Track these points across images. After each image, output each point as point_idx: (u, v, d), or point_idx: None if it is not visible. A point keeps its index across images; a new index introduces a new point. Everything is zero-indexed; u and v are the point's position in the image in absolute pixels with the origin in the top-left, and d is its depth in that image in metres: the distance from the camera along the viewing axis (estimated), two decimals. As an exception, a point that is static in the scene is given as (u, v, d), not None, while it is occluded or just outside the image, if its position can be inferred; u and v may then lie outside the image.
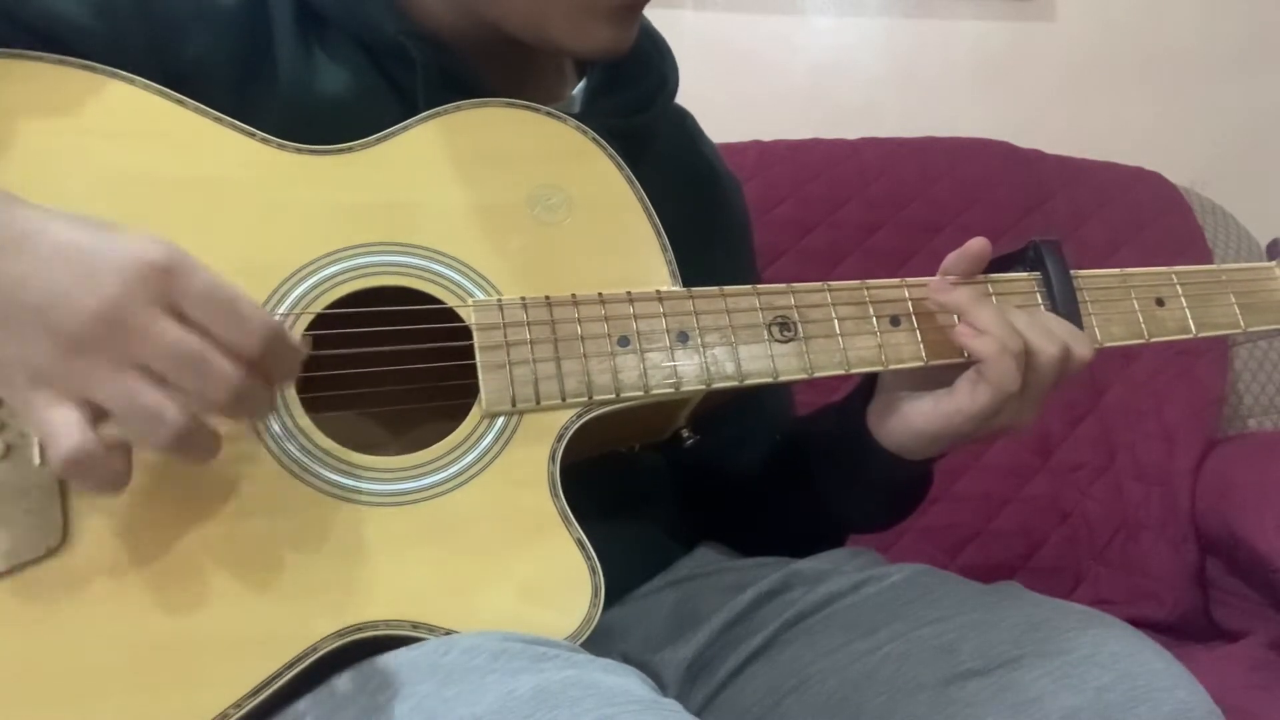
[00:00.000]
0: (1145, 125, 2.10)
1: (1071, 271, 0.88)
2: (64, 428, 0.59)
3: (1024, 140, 1.79)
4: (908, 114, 1.99)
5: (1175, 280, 0.91)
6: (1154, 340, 0.89)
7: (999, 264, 0.88)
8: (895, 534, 1.44)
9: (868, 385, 0.91)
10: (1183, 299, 0.90)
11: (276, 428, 0.72)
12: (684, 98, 1.05)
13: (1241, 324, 0.92)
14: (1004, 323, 0.80)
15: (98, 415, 0.61)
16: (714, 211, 1.07)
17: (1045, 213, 1.70)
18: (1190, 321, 0.90)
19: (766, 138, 1.71)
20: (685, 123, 1.09)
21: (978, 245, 0.85)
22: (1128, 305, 0.89)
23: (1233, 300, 0.92)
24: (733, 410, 0.91)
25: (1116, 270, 0.90)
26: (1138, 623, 0.78)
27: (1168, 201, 1.75)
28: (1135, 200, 1.74)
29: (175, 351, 0.59)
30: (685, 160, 1.06)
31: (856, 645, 0.77)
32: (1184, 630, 1.48)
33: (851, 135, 1.74)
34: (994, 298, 0.85)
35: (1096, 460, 1.60)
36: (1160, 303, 0.90)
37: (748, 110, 1.82)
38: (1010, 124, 1.83)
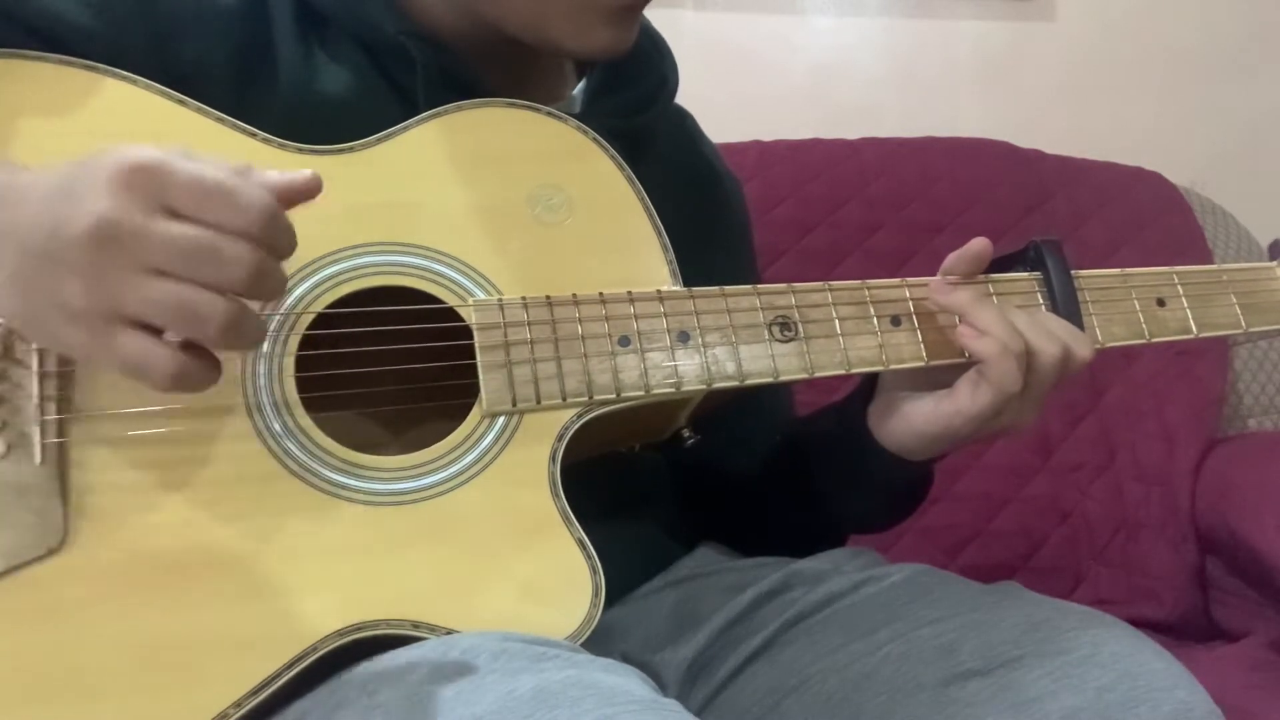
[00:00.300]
0: (1145, 125, 2.10)
1: (1072, 271, 0.87)
2: (150, 355, 0.59)
3: (1024, 140, 1.79)
4: (908, 114, 2.00)
5: (1176, 280, 0.91)
6: (1155, 340, 0.89)
7: (1000, 264, 0.88)
8: (895, 534, 1.44)
9: (868, 386, 0.91)
10: (1184, 299, 0.90)
11: (277, 427, 0.72)
12: (684, 98, 1.05)
13: (1243, 324, 0.91)
14: (1005, 323, 0.80)
15: (149, 330, 0.60)
16: (714, 211, 1.07)
17: (1045, 213, 1.70)
18: (1191, 321, 0.90)
19: (766, 138, 1.70)
20: (685, 123, 1.09)
21: (978, 245, 0.85)
22: (1129, 305, 0.89)
23: (1234, 300, 0.92)
24: (733, 410, 0.91)
25: (1117, 270, 0.90)
26: (1138, 623, 0.78)
27: (1168, 201, 1.75)
28: (1135, 200, 1.74)
29: (182, 248, 0.58)
30: (685, 160, 1.06)
31: (856, 645, 0.77)
32: (1184, 630, 1.48)
33: (851, 135, 1.74)
34: (994, 298, 0.85)
35: (1096, 460, 1.60)
36: (1161, 303, 0.90)
37: (748, 110, 1.82)
38: (1010, 124, 1.83)
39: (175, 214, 0.59)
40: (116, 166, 0.58)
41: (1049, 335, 0.81)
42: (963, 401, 0.81)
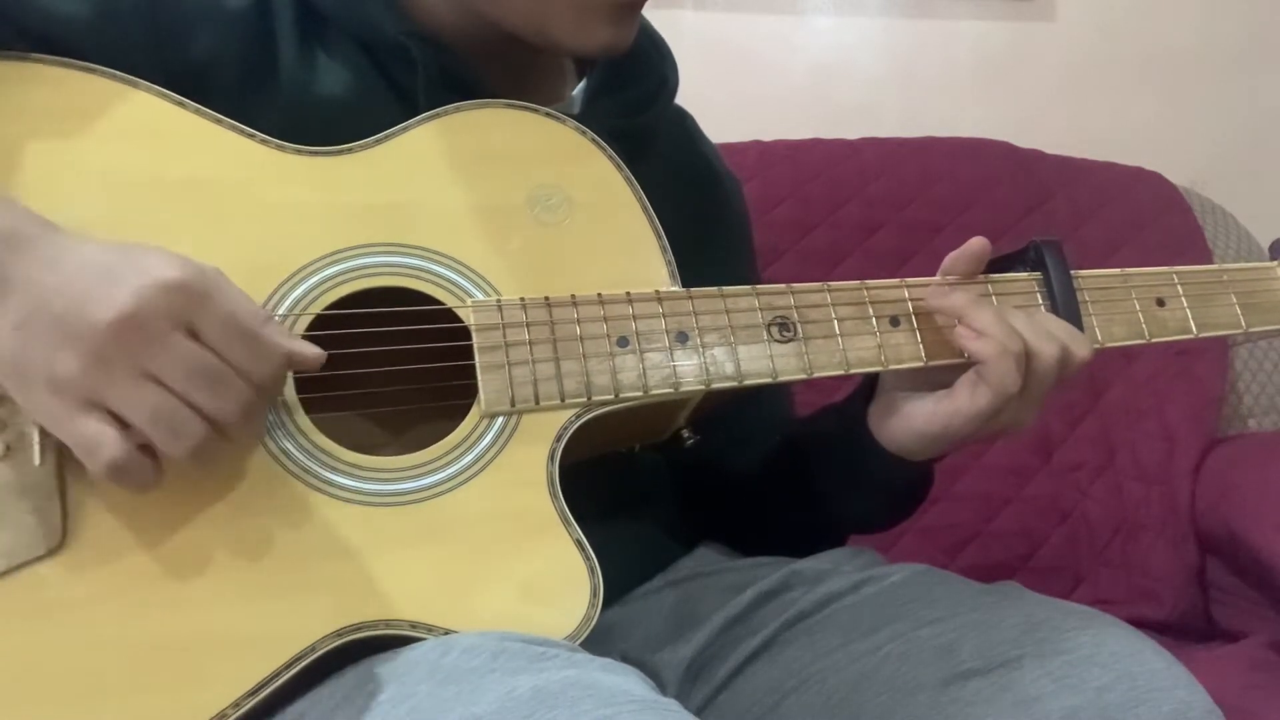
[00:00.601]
0: (1145, 125, 2.09)
1: (1072, 271, 0.87)
2: (103, 439, 0.62)
3: (1024, 140, 1.79)
4: (908, 114, 1.99)
5: (1176, 280, 0.90)
6: (1155, 340, 0.88)
7: (999, 264, 0.88)
8: (895, 534, 1.44)
9: (868, 386, 0.91)
10: (1183, 299, 0.90)
11: (275, 427, 0.72)
12: (684, 98, 1.05)
13: (1243, 324, 0.91)
14: (1004, 324, 0.80)
15: (119, 422, 0.63)
16: (714, 212, 1.07)
17: (1045, 213, 1.70)
18: (1191, 321, 0.90)
19: (766, 138, 1.70)
20: (685, 123, 1.09)
21: (977, 245, 0.85)
22: (1128, 305, 0.89)
23: (1234, 300, 0.92)
24: (733, 411, 0.91)
25: (1117, 270, 0.89)
26: (1138, 623, 0.77)
27: (1168, 201, 1.75)
28: (1135, 200, 1.74)
29: (194, 367, 0.62)
30: (685, 160, 1.06)
31: (856, 645, 0.77)
32: (1184, 630, 1.47)
33: (851, 135, 1.74)
34: (994, 298, 0.85)
35: (1096, 460, 1.60)
36: (1161, 303, 0.89)
37: (748, 110, 1.82)
38: (1010, 124, 1.83)
39: (196, 337, 0.63)
40: (164, 274, 0.62)
41: (1048, 336, 0.81)
42: (961, 402, 0.81)
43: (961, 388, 0.82)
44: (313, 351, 0.69)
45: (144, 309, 0.61)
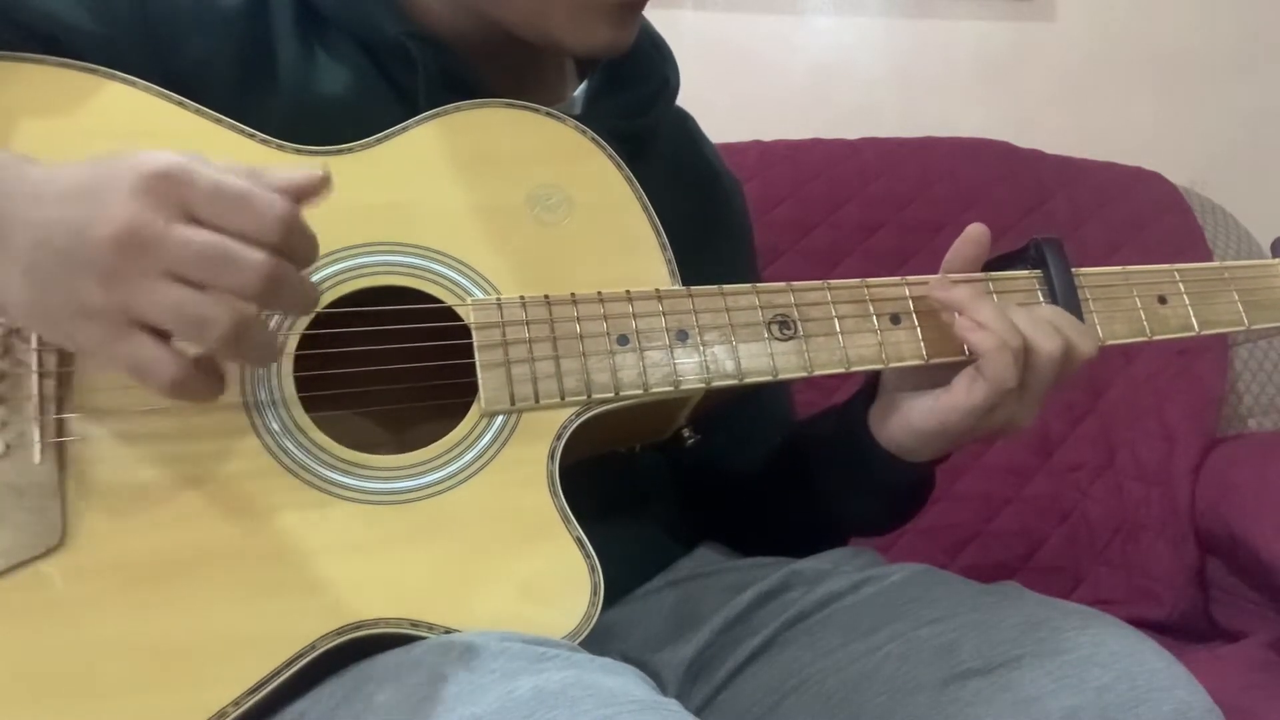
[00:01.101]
0: (1145, 125, 2.10)
1: (1073, 269, 0.87)
2: (156, 360, 0.61)
3: (1024, 140, 1.79)
4: (908, 114, 1.99)
5: (1178, 277, 0.90)
6: (1157, 338, 0.88)
7: (1000, 263, 0.88)
8: (895, 534, 1.44)
9: (870, 388, 0.90)
10: (1185, 296, 0.89)
11: (275, 426, 0.72)
12: (684, 98, 1.04)
13: (1245, 321, 0.91)
14: (1003, 318, 0.80)
15: (161, 334, 0.61)
16: (714, 213, 1.06)
17: (1045, 213, 1.70)
18: (1193, 319, 0.89)
19: (766, 138, 1.70)
20: (686, 124, 1.09)
21: (976, 231, 0.85)
22: (1130, 303, 0.88)
23: (1236, 298, 0.91)
24: (733, 411, 0.91)
25: (1118, 268, 0.89)
26: (1138, 623, 0.77)
27: (1168, 201, 1.75)
28: (1135, 200, 1.74)
29: (198, 253, 0.59)
30: (686, 161, 1.06)
31: (856, 645, 0.77)
32: (1184, 630, 1.47)
33: (851, 135, 1.74)
34: (995, 296, 0.85)
35: (1096, 460, 1.60)
36: (1163, 300, 0.89)
37: (748, 110, 1.82)
38: (1010, 124, 1.83)
39: (195, 220, 0.60)
40: (141, 171, 0.59)
41: (1050, 331, 0.81)
42: (959, 397, 0.81)
43: (959, 383, 0.81)
44: (312, 174, 0.65)
45: (136, 215, 0.59)
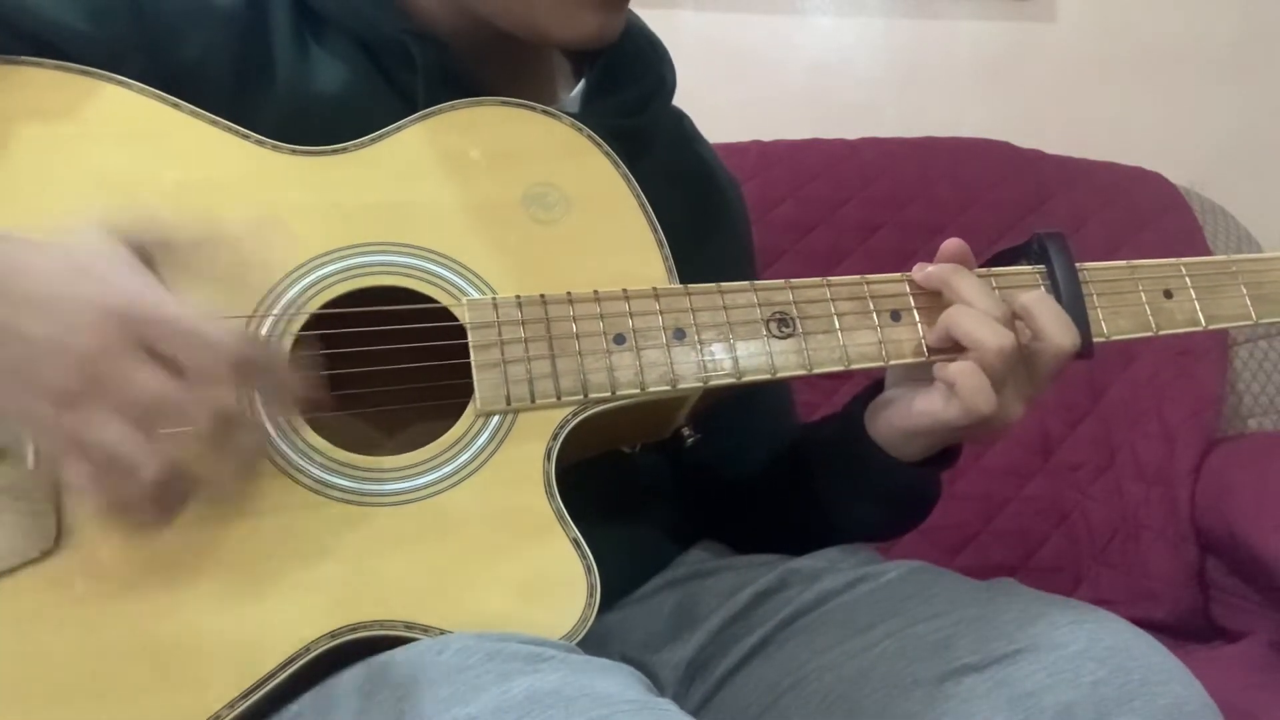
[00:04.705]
0: (1145, 125, 2.10)
1: (1077, 264, 0.86)
2: (87, 484, 0.62)
3: (1024, 140, 1.79)
4: (908, 114, 1.99)
5: (1184, 272, 0.89)
6: (1163, 333, 0.87)
7: (1003, 257, 0.88)
8: (895, 534, 1.44)
9: (874, 388, 0.90)
10: (1192, 290, 0.88)
11: (270, 427, 0.72)
12: (683, 98, 1.04)
13: (1253, 315, 0.89)
14: (987, 322, 0.79)
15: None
16: (712, 213, 1.06)
17: (1045, 213, 1.70)
18: (1200, 313, 0.88)
19: (766, 138, 1.71)
20: (682, 124, 1.09)
21: (952, 247, 0.84)
22: (1135, 298, 0.87)
23: (1243, 291, 0.90)
24: (733, 414, 0.90)
25: (1124, 262, 0.88)
26: (1137, 623, 0.77)
27: (1168, 201, 1.75)
28: (1135, 200, 1.74)
29: (141, 399, 0.61)
30: (683, 161, 1.05)
31: (853, 642, 0.77)
32: (1184, 630, 1.47)
33: (851, 135, 1.74)
34: (998, 292, 0.84)
35: (1096, 460, 1.60)
36: (1168, 294, 0.88)
37: (747, 110, 1.82)
38: (1010, 124, 1.83)
39: (154, 353, 0.62)
40: (102, 308, 0.61)
41: (1056, 318, 0.80)
42: (936, 406, 0.81)
43: (936, 393, 0.81)
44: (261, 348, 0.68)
45: (102, 349, 0.61)
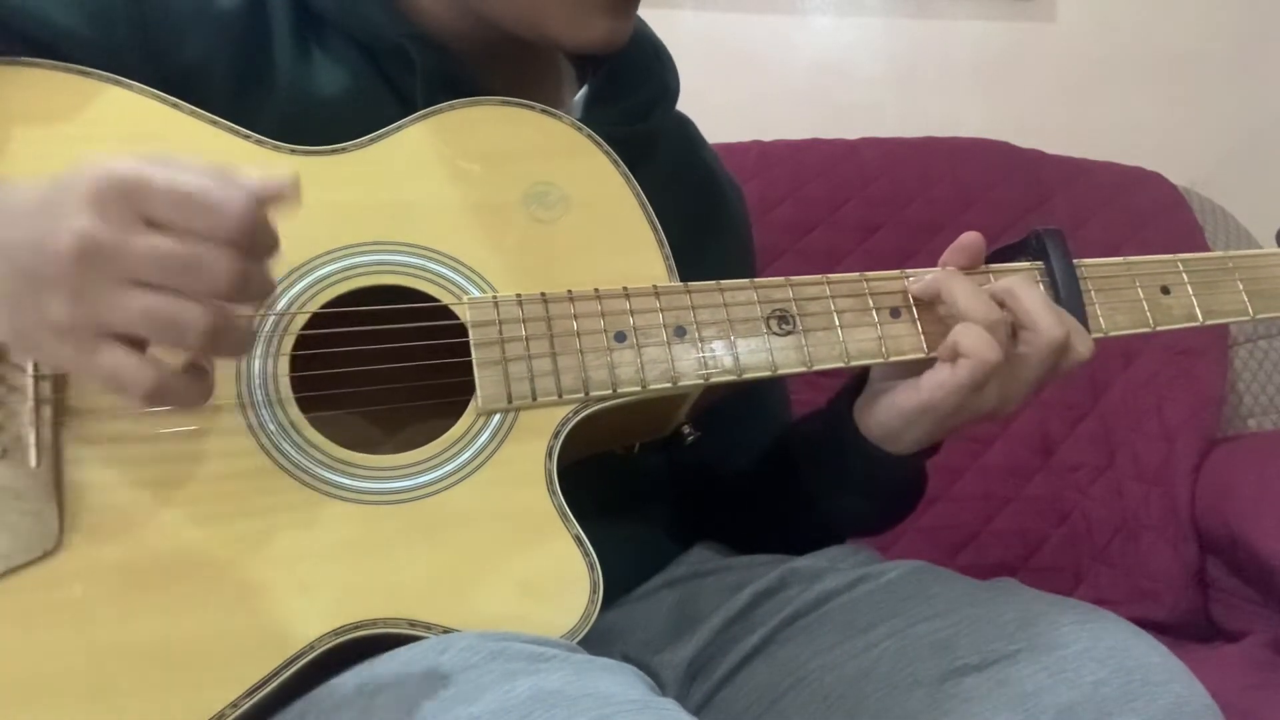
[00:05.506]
0: (1145, 125, 2.09)
1: (1075, 260, 0.86)
2: (131, 369, 0.60)
3: (1024, 140, 1.79)
4: (908, 114, 1.99)
5: (1181, 267, 0.89)
6: (1160, 329, 0.87)
7: (1001, 255, 0.88)
8: (894, 534, 1.44)
9: (856, 385, 0.90)
10: (1189, 286, 0.89)
11: (271, 426, 0.72)
12: (683, 98, 1.04)
13: (1250, 311, 0.90)
14: (979, 294, 0.80)
15: (137, 343, 0.61)
16: (715, 218, 1.06)
17: (1045, 213, 1.70)
18: (1197, 309, 0.88)
19: (766, 138, 1.71)
20: (686, 129, 1.09)
21: (969, 239, 0.85)
22: (1133, 294, 0.87)
23: (1240, 287, 0.90)
24: (731, 414, 0.90)
25: (1121, 259, 0.88)
26: (1138, 623, 0.77)
27: (1168, 201, 1.75)
28: (1135, 200, 1.74)
29: (160, 260, 0.59)
30: (685, 166, 1.05)
31: (853, 642, 0.77)
32: (1184, 630, 1.47)
33: (851, 135, 1.74)
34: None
35: (1096, 460, 1.60)
36: (1166, 290, 0.88)
37: (747, 110, 1.82)
38: (1010, 124, 1.83)
39: (154, 224, 0.59)
40: (94, 181, 0.58)
41: (1055, 316, 0.80)
42: (943, 373, 0.80)
43: (941, 366, 0.81)
44: (280, 177, 0.63)
45: (92, 224, 0.58)
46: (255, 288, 0.62)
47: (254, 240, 0.61)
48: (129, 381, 0.60)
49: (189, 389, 0.63)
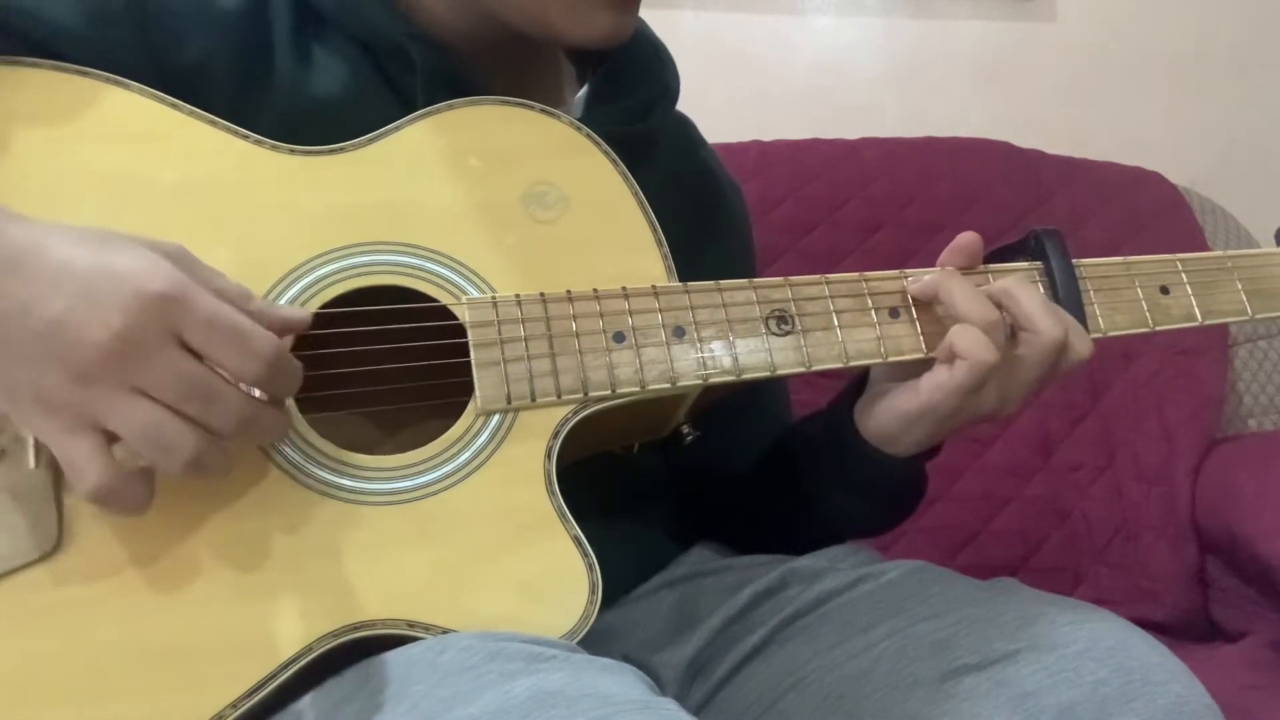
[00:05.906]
0: (1145, 125, 2.10)
1: (1074, 260, 0.86)
2: (88, 461, 0.61)
3: (1024, 140, 1.79)
4: (908, 114, 1.99)
5: (1180, 267, 0.89)
6: (1159, 329, 0.87)
7: (1000, 255, 0.88)
8: (894, 534, 1.44)
9: (856, 386, 0.90)
10: (1188, 286, 0.88)
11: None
12: (683, 98, 1.04)
13: (1249, 311, 0.90)
14: (976, 295, 0.80)
15: (111, 439, 0.62)
16: (714, 218, 1.06)
17: (1045, 213, 1.70)
18: (1196, 309, 0.88)
19: (766, 138, 1.71)
20: (686, 129, 1.09)
21: (967, 239, 0.84)
22: (1132, 294, 0.87)
23: (1239, 287, 0.90)
24: (731, 415, 0.90)
25: (1120, 258, 0.88)
26: (1138, 623, 0.77)
27: (1168, 201, 1.75)
28: (1135, 200, 1.74)
29: (182, 382, 0.61)
30: (685, 166, 1.05)
31: (853, 642, 0.77)
32: (1184, 630, 1.47)
33: (851, 135, 1.74)
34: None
35: (1096, 460, 1.60)
36: (1165, 290, 0.88)
37: (748, 110, 1.83)
38: (1010, 124, 1.83)
39: (185, 344, 0.61)
40: (143, 288, 0.60)
41: (1053, 317, 0.80)
42: (941, 374, 0.80)
43: (939, 368, 0.81)
44: (299, 315, 0.69)
45: (131, 330, 0.59)
46: (261, 430, 0.66)
47: (274, 383, 0.64)
48: (85, 475, 0.61)
49: (128, 497, 0.63)
